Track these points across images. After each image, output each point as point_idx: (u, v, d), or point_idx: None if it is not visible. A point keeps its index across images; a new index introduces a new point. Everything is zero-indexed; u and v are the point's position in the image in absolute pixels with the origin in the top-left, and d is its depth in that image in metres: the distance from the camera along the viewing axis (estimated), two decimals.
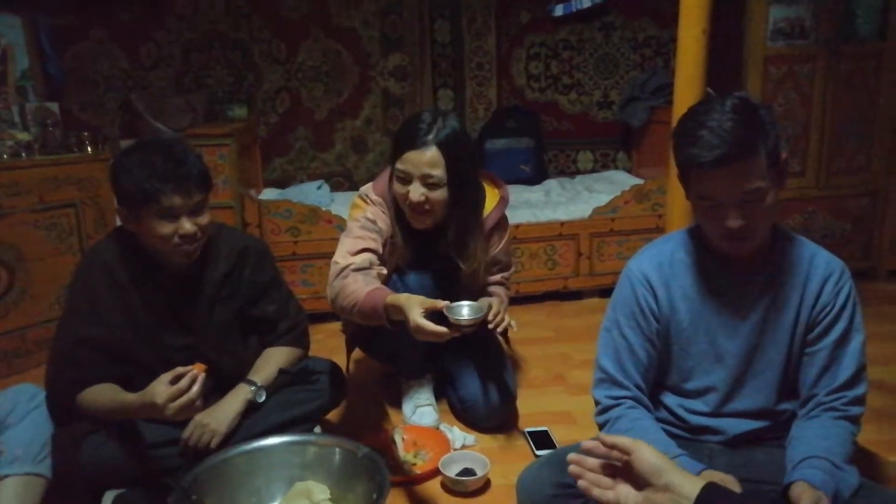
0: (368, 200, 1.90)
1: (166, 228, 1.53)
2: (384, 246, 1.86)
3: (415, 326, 1.44)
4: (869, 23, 3.02)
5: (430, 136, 1.77)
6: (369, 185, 1.97)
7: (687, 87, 1.80)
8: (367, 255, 1.79)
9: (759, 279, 1.39)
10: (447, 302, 1.50)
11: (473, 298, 2.00)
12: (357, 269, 1.73)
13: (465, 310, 1.55)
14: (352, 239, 1.83)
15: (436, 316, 1.49)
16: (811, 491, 1.20)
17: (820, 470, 1.25)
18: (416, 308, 1.47)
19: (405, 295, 1.55)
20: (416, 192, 1.78)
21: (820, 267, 1.38)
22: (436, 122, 1.79)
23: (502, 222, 2.06)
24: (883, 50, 3.03)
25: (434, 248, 1.93)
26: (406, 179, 1.80)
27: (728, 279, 1.40)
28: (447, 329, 1.44)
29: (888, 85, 3.06)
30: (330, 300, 1.77)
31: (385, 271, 1.83)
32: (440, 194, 1.80)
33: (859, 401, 1.37)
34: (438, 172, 1.77)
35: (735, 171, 1.23)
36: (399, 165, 1.80)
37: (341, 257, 1.79)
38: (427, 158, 1.76)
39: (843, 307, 1.37)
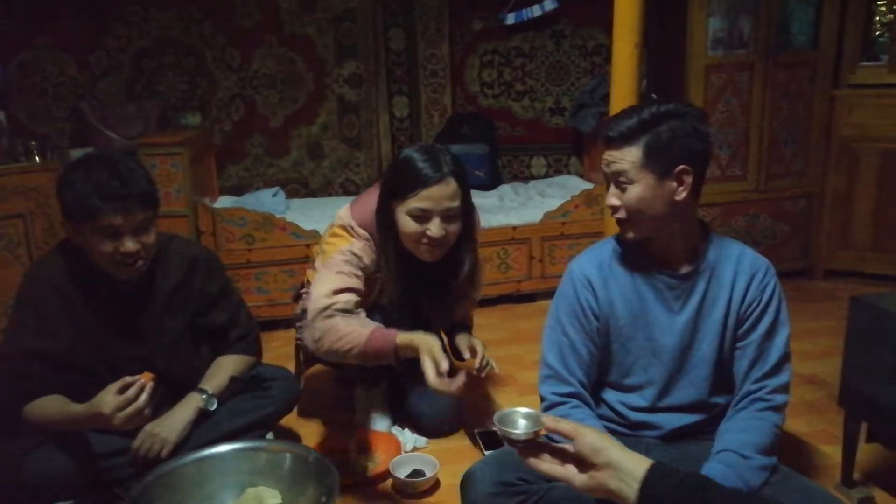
0: (354, 234, 1.82)
1: (107, 246, 1.53)
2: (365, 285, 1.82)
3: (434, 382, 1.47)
4: (803, 33, 3.17)
5: (446, 169, 1.73)
6: (347, 212, 1.88)
7: (622, 98, 1.88)
8: (351, 297, 1.73)
9: (692, 277, 1.47)
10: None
11: (448, 324, 2.05)
12: (341, 310, 1.69)
13: (521, 421, 1.12)
14: (335, 275, 1.75)
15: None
16: None
17: (723, 464, 1.33)
18: (429, 360, 1.49)
19: (420, 336, 1.57)
20: (437, 228, 1.73)
21: (747, 265, 1.48)
22: (441, 154, 1.76)
23: None
24: (816, 58, 3.17)
25: (420, 283, 1.90)
26: (425, 217, 1.74)
27: (663, 278, 1.48)
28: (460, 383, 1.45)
29: (821, 91, 3.21)
30: (311, 340, 1.72)
31: (364, 315, 1.76)
32: (457, 226, 1.79)
33: (783, 388, 1.46)
34: (457, 204, 1.76)
35: (613, 151, 1.42)
36: (416, 204, 1.73)
37: (324, 295, 1.71)
38: (450, 192, 1.73)
39: (769, 302, 1.46)
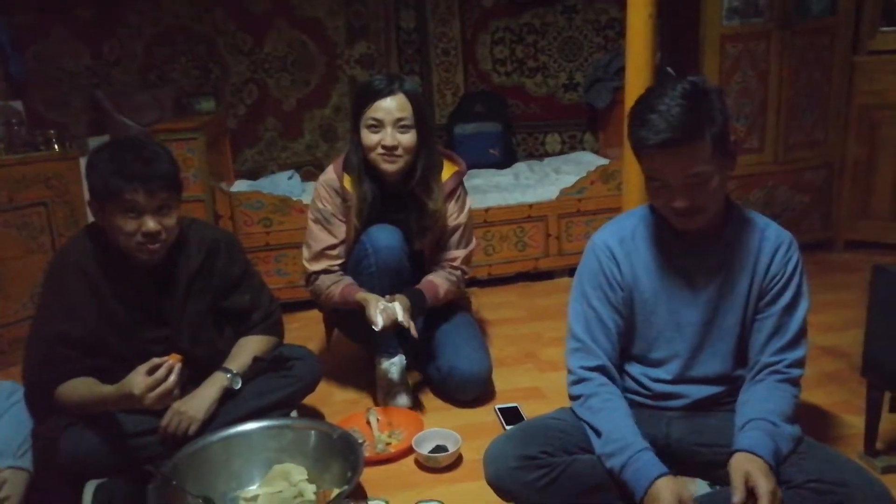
0: (320, 183, 2.13)
1: (129, 225, 1.56)
2: (339, 216, 2.11)
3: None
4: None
5: (396, 86, 2.00)
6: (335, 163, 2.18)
7: (637, 70, 1.86)
8: (324, 261, 2.11)
9: (715, 251, 1.46)
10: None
11: (434, 254, 2.22)
12: (322, 271, 2.11)
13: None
14: (312, 240, 2.13)
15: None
16: (764, 475, 1.27)
17: (759, 430, 1.34)
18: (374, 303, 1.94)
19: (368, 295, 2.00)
20: (390, 137, 1.98)
21: (770, 239, 1.46)
22: (397, 77, 2.04)
23: (459, 193, 2.19)
24: (835, 25, 3.11)
25: (399, 197, 2.10)
26: (378, 127, 1.99)
27: (687, 252, 1.47)
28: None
29: (840, 58, 3.15)
30: (313, 297, 2.18)
31: (342, 258, 2.13)
32: (410, 137, 2.01)
33: (800, 363, 1.46)
34: (408, 115, 2.00)
35: (680, 155, 1.30)
36: (370, 115, 1.99)
37: (307, 261, 2.15)
38: (398, 104, 1.99)
39: (792, 276, 1.45)
